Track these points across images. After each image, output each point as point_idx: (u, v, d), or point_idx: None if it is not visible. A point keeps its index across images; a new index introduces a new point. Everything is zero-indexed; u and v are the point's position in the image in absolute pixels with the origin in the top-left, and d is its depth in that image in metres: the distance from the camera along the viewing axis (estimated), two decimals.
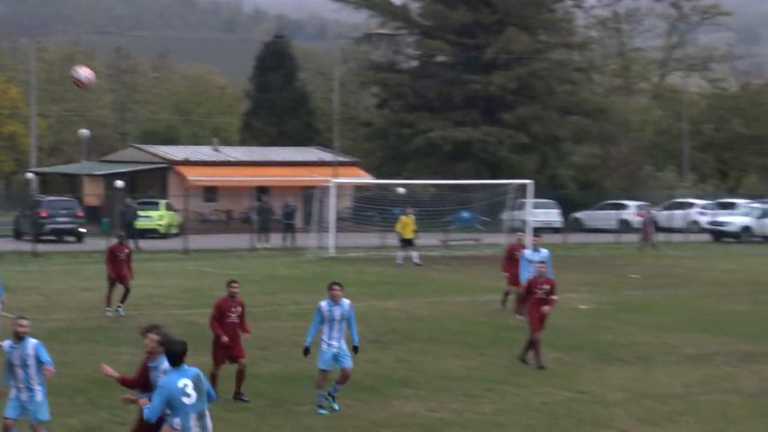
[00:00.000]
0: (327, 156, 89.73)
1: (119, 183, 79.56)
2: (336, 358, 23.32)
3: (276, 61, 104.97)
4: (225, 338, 24.03)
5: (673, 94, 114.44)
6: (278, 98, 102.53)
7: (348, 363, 23.41)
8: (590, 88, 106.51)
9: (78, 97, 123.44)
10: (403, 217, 59.55)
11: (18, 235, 73.50)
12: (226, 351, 24.12)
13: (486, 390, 26.08)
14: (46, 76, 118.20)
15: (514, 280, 37.35)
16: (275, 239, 70.54)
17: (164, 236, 74.80)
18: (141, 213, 72.25)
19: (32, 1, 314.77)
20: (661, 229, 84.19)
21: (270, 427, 22.19)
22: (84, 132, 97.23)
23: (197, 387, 15.59)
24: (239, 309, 24.43)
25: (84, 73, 17.59)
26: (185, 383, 15.47)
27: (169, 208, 78.81)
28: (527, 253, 35.55)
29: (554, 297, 29.27)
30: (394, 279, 50.09)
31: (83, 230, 71.80)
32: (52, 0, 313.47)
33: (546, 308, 28.93)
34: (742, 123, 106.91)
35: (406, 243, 58.17)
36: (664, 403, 25.03)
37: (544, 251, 35.58)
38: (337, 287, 23.59)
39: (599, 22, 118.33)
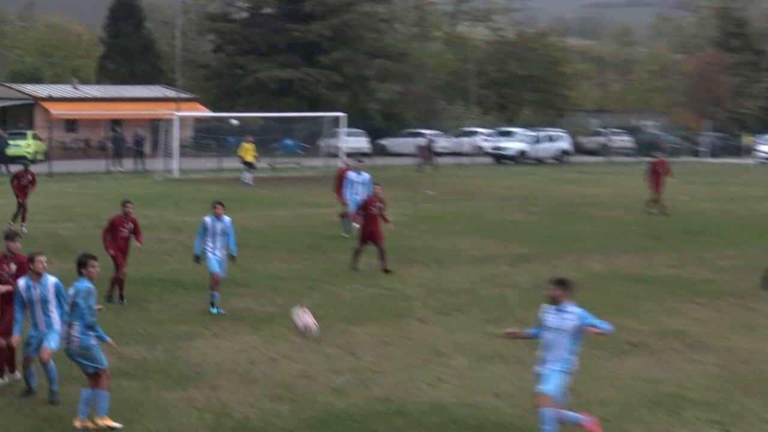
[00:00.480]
0: (171, 93, 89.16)
1: None
2: (221, 265, 23.44)
3: (126, 12, 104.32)
4: (112, 251, 24.04)
5: (461, 41, 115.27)
6: (128, 44, 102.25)
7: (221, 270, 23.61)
8: (393, 35, 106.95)
9: None
10: (245, 144, 60.56)
11: None
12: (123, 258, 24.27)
13: (306, 288, 26.25)
14: None
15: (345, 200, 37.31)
16: (127, 164, 70.17)
17: (32, 162, 73.54)
18: (11, 142, 71.48)
19: None
20: (448, 154, 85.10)
21: (126, 321, 22.10)
22: None
23: (73, 301, 15.44)
24: (131, 225, 24.45)
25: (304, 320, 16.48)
26: (69, 293, 15.39)
27: (35, 137, 77.84)
28: (352, 175, 35.48)
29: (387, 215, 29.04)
30: (230, 196, 49.84)
31: None
32: None
33: (390, 225, 28.97)
34: (518, 65, 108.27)
35: (249, 165, 58.89)
36: (454, 297, 25.41)
37: (366, 174, 35.56)
38: (219, 206, 23.65)
39: None
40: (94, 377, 15.26)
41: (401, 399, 16.94)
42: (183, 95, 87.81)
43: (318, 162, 73.38)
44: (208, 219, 23.59)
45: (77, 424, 15.05)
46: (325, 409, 16.31)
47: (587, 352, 20.02)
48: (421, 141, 78.29)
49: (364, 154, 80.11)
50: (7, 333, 16.59)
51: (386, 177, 63.25)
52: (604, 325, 14.58)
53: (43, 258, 16.32)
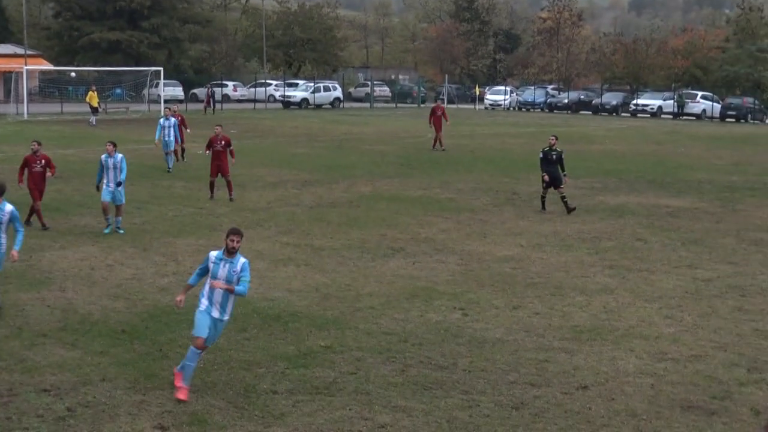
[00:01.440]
0: (19, 50, 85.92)
1: None
2: (112, 196, 22.29)
3: None
4: (21, 184, 22.63)
5: (255, 11, 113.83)
6: None
7: (122, 200, 22.49)
8: (200, 5, 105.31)
9: None
10: (91, 92, 60.30)
11: None
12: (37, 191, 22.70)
13: (136, 208, 25.68)
14: None
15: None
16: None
17: None
18: None
19: None
20: (246, 101, 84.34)
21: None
22: None
23: None
24: (42, 162, 22.70)
25: None
26: None
27: None
28: (162, 120, 35.01)
29: (232, 148, 27.58)
30: (71, 134, 48.49)
31: None
32: None
33: (233, 160, 27.69)
34: (300, 30, 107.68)
35: (94, 110, 58.30)
36: (255, 214, 25.28)
37: (173, 119, 35.14)
38: (110, 145, 22.38)
39: None
40: None
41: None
42: (30, 52, 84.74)
43: (143, 107, 71.95)
44: (103, 156, 22.35)
45: None
46: (153, 304, 16.05)
47: (359, 255, 20.25)
48: (206, 90, 76.57)
49: (180, 101, 79.25)
50: None
51: (196, 119, 62.39)
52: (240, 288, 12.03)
53: None
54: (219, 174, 27.48)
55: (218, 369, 12.89)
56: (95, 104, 58.73)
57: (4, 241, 15.23)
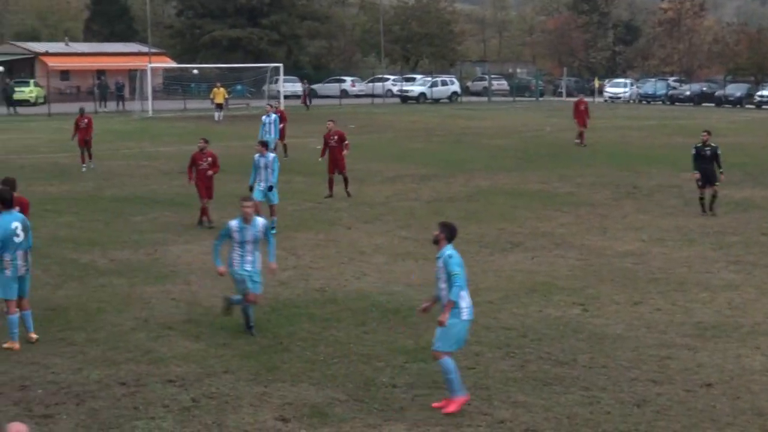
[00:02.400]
0: (144, 48, 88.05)
1: (0, 68, 76.61)
2: (264, 196, 22.24)
3: None
4: (191, 182, 22.71)
5: (372, 6, 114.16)
6: (109, 9, 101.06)
7: (275, 200, 22.52)
8: (318, 2, 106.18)
9: None
10: (215, 89, 60.91)
11: None
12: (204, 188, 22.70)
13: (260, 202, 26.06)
14: None
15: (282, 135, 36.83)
16: (111, 105, 69.51)
17: (34, 104, 72.60)
18: (17, 89, 70.76)
19: None
20: (365, 96, 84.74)
21: (114, 231, 21.88)
22: None
23: (26, 229, 13.47)
24: (209, 159, 22.63)
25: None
26: (16, 225, 13.32)
27: (36, 85, 76.64)
28: (263, 117, 34.95)
29: (347, 142, 27.28)
30: (193, 131, 49.39)
31: None
32: None
33: (346, 152, 27.09)
34: (418, 25, 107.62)
35: (218, 106, 59.13)
36: (373, 208, 25.41)
37: (273, 115, 35.07)
38: (202, 141, 22.77)
39: None
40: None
41: (333, 289, 16.94)
42: (154, 50, 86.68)
43: (263, 103, 72.84)
44: (255, 156, 22.29)
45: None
46: (274, 298, 16.26)
47: (477, 249, 20.19)
48: (304, 88, 76.33)
49: (299, 97, 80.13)
50: None
51: (316, 115, 63.01)
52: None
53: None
54: (336, 170, 27.18)
55: (338, 362, 13.00)
56: (220, 101, 59.51)
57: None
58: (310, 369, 12.70)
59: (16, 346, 13.38)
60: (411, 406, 11.51)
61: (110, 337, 14.00)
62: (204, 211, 22.79)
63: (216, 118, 57.56)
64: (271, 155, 22.38)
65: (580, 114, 43.62)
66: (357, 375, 12.51)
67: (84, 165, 32.80)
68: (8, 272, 13.33)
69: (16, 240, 13.31)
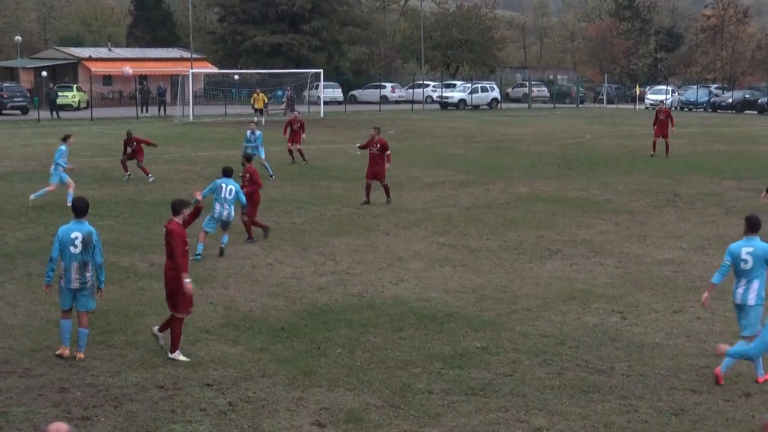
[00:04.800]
0: (185, 54, 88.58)
1: (44, 73, 77.39)
2: None
3: None
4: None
5: (413, 12, 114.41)
6: (151, 15, 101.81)
7: None
8: (359, 8, 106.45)
9: (12, 13, 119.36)
10: (255, 95, 61.69)
11: None
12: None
13: (296, 208, 26.20)
14: None
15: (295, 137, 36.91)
16: (152, 110, 69.99)
17: (77, 109, 73.26)
18: (60, 93, 71.39)
19: None
20: (404, 101, 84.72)
21: (154, 235, 21.97)
22: (18, 38, 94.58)
23: (86, 242, 13.04)
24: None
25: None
26: (76, 236, 13.06)
27: (79, 90, 77.26)
28: (248, 133, 33.70)
29: (388, 152, 27.03)
30: (233, 136, 49.60)
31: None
32: None
33: (387, 164, 26.97)
34: (458, 31, 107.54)
35: (259, 111, 59.47)
36: (411, 214, 25.39)
37: (258, 132, 34.12)
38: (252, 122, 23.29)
39: None
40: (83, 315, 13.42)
41: (371, 294, 16.94)
42: (195, 56, 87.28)
43: (303, 108, 73.08)
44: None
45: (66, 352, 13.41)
46: (311, 303, 16.30)
47: (516, 256, 20.13)
48: (287, 90, 74.09)
49: (339, 102, 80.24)
50: None
51: (356, 120, 63.16)
52: None
53: None
54: (375, 178, 26.98)
55: (375, 368, 13.00)
56: (260, 106, 59.93)
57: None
58: (346, 374, 12.72)
59: (66, 352, 13.30)
60: (447, 412, 11.49)
61: (149, 340, 14.09)
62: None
63: (255, 121, 57.85)
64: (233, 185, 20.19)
65: (662, 124, 40.57)
66: (393, 381, 12.50)
67: (127, 174, 31.82)
68: (62, 282, 13.27)
69: (72, 251, 13.06)
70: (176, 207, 13.69)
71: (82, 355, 13.27)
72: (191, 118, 63.80)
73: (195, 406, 11.61)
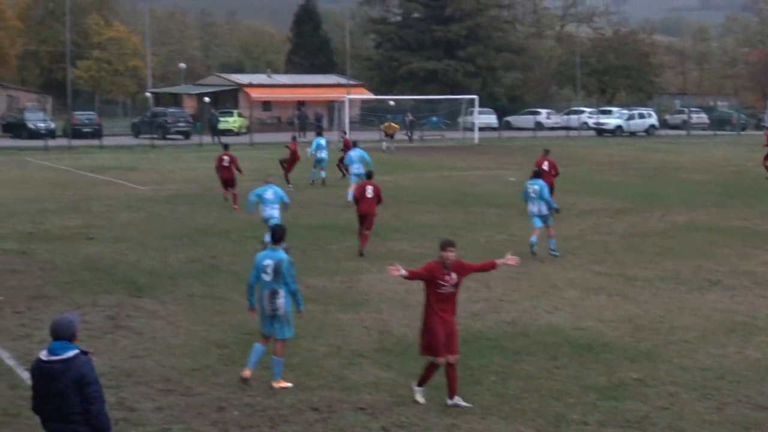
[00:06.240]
0: (342, 80, 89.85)
1: (207, 99, 79.60)
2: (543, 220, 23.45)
3: (308, 17, 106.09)
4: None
5: (569, 38, 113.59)
6: (310, 42, 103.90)
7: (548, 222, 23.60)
8: (514, 34, 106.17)
9: (177, 41, 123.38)
10: (387, 123, 63.59)
11: (137, 134, 73.15)
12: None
13: (449, 233, 26.14)
14: (156, 28, 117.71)
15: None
16: (310, 135, 71.13)
17: (237, 134, 75.05)
18: (221, 119, 73.30)
19: None
20: (560, 128, 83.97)
21: (311, 258, 22.30)
22: (182, 65, 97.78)
23: (276, 270, 12.94)
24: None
25: None
26: (268, 263, 13.05)
27: (239, 115, 79.26)
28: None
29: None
30: (387, 161, 50.02)
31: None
32: None
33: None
34: (615, 57, 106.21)
35: (390, 137, 60.53)
36: (567, 242, 25.07)
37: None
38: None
39: None
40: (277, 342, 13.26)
41: (525, 322, 16.80)
42: (352, 82, 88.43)
43: (457, 134, 73.27)
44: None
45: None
46: (465, 329, 16.19)
47: (673, 286, 19.67)
48: (407, 117, 74.42)
49: (494, 129, 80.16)
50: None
51: (510, 147, 62.99)
52: None
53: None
54: None
55: (528, 396, 12.87)
56: (391, 132, 60.72)
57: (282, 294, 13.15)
58: (499, 402, 12.62)
59: (247, 374, 13.19)
60: None
61: (304, 362, 14.27)
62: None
63: (384, 148, 58.01)
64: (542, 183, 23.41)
65: None
66: (547, 411, 12.35)
67: (228, 197, 31.62)
68: (258, 307, 13.38)
69: (264, 278, 13.06)
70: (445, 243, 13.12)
71: (276, 384, 13.11)
72: None
73: (348, 429, 11.70)
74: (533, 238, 22.98)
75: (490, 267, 13.24)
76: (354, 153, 32.74)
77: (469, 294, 18.85)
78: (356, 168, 31.78)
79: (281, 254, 13.11)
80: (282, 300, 13.03)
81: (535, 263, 22.18)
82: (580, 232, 26.77)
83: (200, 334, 15.83)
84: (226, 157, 31.67)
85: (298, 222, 28.27)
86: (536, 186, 23.16)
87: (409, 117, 73.30)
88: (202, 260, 22.02)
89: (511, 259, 12.82)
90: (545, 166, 29.65)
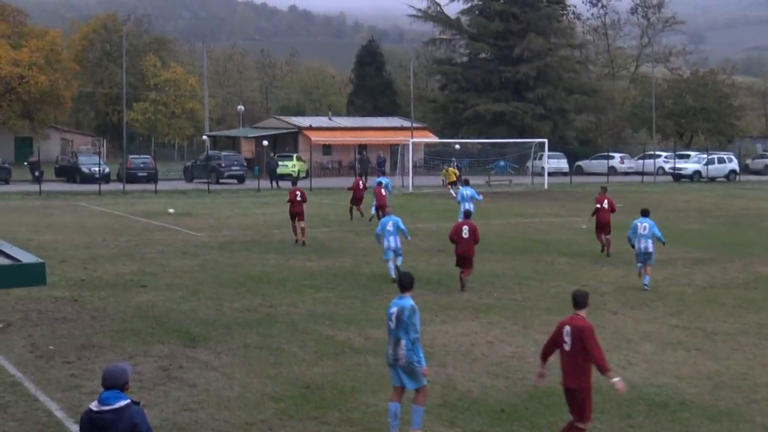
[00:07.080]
0: (406, 123, 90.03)
1: (265, 142, 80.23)
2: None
3: (370, 58, 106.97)
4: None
5: (644, 79, 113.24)
6: (372, 84, 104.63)
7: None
8: (587, 75, 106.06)
9: (235, 83, 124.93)
10: (446, 169, 64.29)
11: (190, 179, 73.79)
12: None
13: (517, 284, 26.03)
14: (214, 69, 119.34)
15: None
16: (371, 181, 71.20)
17: (296, 179, 75.30)
18: (280, 163, 73.67)
19: (203, 17, 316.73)
20: (634, 173, 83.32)
21: (371, 308, 22.25)
22: (240, 107, 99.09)
23: (398, 318, 12.98)
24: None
25: None
26: (392, 311, 13.11)
27: (299, 159, 79.66)
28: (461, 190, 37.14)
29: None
30: (453, 208, 49.98)
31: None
32: (216, 16, 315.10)
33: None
34: (693, 98, 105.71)
35: (452, 184, 60.50)
36: (641, 293, 24.83)
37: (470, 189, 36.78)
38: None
39: (593, 29, 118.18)
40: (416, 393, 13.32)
41: (597, 378, 16.58)
42: (416, 125, 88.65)
43: (526, 180, 73.04)
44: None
45: None
46: (533, 384, 16.08)
47: (756, 341, 19.35)
48: (454, 164, 74.54)
49: (565, 174, 79.86)
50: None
51: (581, 192, 62.68)
52: None
53: None
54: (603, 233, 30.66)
55: None
56: (452, 179, 60.69)
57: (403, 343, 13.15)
58: None
59: None
60: None
61: (364, 417, 14.21)
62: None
63: (455, 196, 58.16)
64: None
65: None
66: None
67: (297, 238, 34.18)
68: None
69: (390, 325, 13.16)
70: (580, 300, 13.10)
71: None
72: (410, 188, 64.70)
73: None
74: (647, 278, 25.05)
75: (601, 367, 12.80)
76: (465, 191, 36.07)
77: (538, 347, 18.64)
78: (467, 205, 34.28)
79: (407, 301, 13.10)
80: (403, 350, 13.01)
81: (606, 314, 21.97)
82: (655, 283, 26.45)
83: (255, 387, 15.84)
84: (298, 192, 34.43)
85: (359, 270, 28.30)
86: (646, 223, 25.01)
87: (455, 163, 73.61)
88: (258, 309, 22.08)
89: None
90: (605, 204, 31.14)
